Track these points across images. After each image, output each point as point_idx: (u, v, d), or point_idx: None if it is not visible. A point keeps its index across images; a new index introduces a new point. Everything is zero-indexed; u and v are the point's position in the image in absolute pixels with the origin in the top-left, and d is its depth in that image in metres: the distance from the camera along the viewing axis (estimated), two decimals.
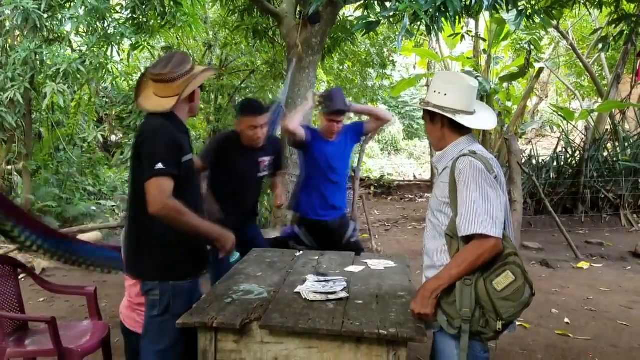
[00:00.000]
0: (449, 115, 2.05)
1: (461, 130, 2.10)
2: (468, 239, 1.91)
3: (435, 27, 4.86)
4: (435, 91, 2.10)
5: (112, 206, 9.48)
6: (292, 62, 6.01)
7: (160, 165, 2.19)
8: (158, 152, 2.23)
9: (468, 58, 10.90)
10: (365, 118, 4.55)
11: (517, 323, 2.07)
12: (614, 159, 8.75)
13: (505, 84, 10.31)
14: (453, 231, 1.97)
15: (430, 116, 2.13)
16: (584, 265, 6.29)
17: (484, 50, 11.07)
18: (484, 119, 2.12)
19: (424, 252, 2.19)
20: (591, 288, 5.45)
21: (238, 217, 3.41)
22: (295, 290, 2.29)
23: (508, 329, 2.00)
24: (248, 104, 3.57)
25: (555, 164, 9.07)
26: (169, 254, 2.31)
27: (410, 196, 12.58)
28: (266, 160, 3.57)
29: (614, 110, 9.53)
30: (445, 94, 2.06)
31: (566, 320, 4.50)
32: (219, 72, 9.28)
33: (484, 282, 1.90)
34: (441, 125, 2.11)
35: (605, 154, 8.89)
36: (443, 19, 4.85)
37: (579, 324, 4.44)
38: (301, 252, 3.09)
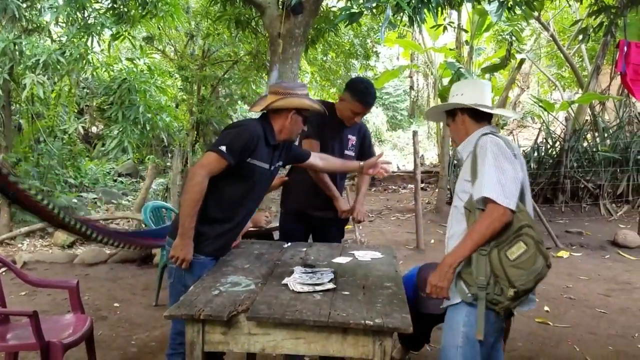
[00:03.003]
0: (470, 105, 2.23)
1: (482, 121, 2.26)
2: (483, 211, 2.01)
3: (418, 19, 4.87)
4: (454, 95, 2.33)
5: (94, 198, 9.40)
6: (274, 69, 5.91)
7: (222, 147, 2.44)
8: (229, 139, 2.49)
9: (450, 49, 10.95)
10: None
11: None
12: (594, 150, 8.89)
13: (487, 75, 10.40)
14: (471, 204, 2.07)
15: (453, 116, 2.32)
16: (563, 254, 6.40)
17: (466, 42, 11.13)
18: (501, 110, 2.32)
19: (447, 237, 2.30)
20: (570, 277, 5.56)
21: (321, 198, 3.31)
22: (283, 281, 2.29)
23: (527, 305, 2.13)
24: (363, 91, 3.21)
25: (535, 154, 9.18)
26: (199, 228, 2.50)
27: (393, 187, 12.65)
28: (353, 139, 3.40)
29: (593, 101, 9.67)
30: (462, 94, 2.29)
31: (546, 308, 4.59)
32: (203, 63, 9.19)
33: (497, 252, 1.99)
34: (462, 121, 2.29)
35: (585, 144, 9.02)
36: (425, 11, 4.86)
37: (558, 312, 4.53)
38: (289, 243, 3.09)
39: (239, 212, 2.65)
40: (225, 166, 2.46)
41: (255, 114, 2.76)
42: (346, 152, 3.38)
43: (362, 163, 3.15)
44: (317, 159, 3.03)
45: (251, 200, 2.69)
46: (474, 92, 2.28)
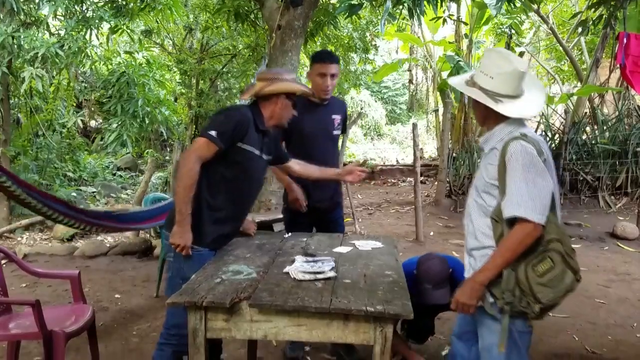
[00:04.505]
0: (490, 105, 2.06)
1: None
2: (511, 223, 1.95)
3: (418, 11, 4.88)
4: (482, 72, 2.10)
5: (93, 192, 9.40)
6: (264, 60, 5.95)
7: (212, 132, 2.45)
8: (218, 124, 2.51)
9: (450, 42, 10.96)
10: None
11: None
12: (593, 142, 8.88)
13: None
14: (498, 215, 2.01)
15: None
16: None
17: (466, 35, 11.14)
18: (528, 103, 2.10)
19: (467, 233, 2.23)
20: None
21: (319, 188, 3.28)
22: (284, 270, 2.30)
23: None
24: (319, 52, 3.43)
25: None
26: (198, 217, 2.52)
27: (392, 180, 12.66)
28: (337, 118, 3.40)
29: (592, 94, 9.67)
30: (492, 77, 2.06)
31: None
32: (201, 57, 9.19)
33: (524, 266, 1.96)
34: (485, 107, 2.11)
35: (584, 137, 9.02)
36: (425, 3, 4.87)
37: None
38: (290, 233, 3.10)
39: (235, 199, 2.64)
40: (215, 151, 2.46)
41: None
42: (334, 132, 3.40)
43: (338, 171, 3.12)
44: (296, 164, 3.03)
45: (246, 189, 2.68)
46: (505, 81, 2.06)
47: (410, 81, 21.44)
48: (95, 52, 6.80)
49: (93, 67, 7.00)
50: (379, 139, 19.69)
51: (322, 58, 3.25)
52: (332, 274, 2.27)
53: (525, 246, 1.93)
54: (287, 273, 2.27)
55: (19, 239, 6.56)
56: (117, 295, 4.61)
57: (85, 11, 6.28)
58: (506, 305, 1.98)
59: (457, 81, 2.26)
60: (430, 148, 16.97)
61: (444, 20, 7.19)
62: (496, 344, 2.08)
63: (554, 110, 10.81)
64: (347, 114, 3.60)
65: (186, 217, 2.45)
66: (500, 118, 2.11)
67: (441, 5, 5.44)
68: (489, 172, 2.08)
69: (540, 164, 1.97)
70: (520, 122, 2.12)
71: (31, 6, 6.57)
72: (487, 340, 2.17)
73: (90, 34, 6.29)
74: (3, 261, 3.31)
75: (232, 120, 2.52)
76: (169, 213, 2.74)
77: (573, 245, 6.10)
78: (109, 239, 6.51)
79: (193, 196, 2.47)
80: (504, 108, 2.06)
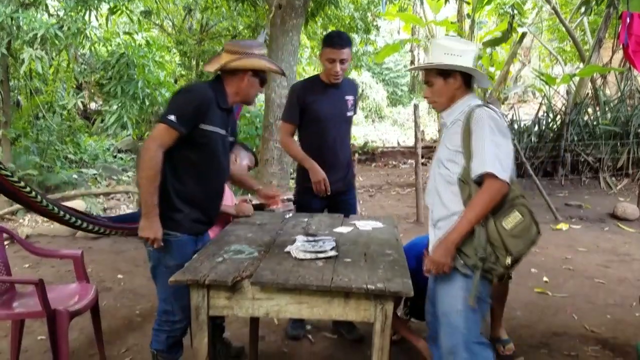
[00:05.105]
0: (474, 69, 2.20)
1: (468, 88, 2.26)
2: (479, 184, 2.07)
3: None
4: (447, 53, 2.20)
5: (94, 174, 9.41)
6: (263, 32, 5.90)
7: (171, 117, 2.30)
8: (177, 107, 2.36)
9: (452, 23, 10.85)
10: None
11: None
12: (594, 123, 8.86)
13: (488, 49, 10.32)
14: (466, 177, 2.11)
15: (444, 76, 2.22)
16: (563, 226, 6.44)
17: (468, 15, 11.04)
18: (484, 78, 2.32)
19: (432, 205, 2.31)
20: (570, 248, 5.59)
21: (333, 170, 3.19)
22: (285, 249, 2.32)
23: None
24: (330, 35, 3.23)
25: (536, 128, 9.16)
26: (168, 203, 2.40)
27: (394, 162, 12.67)
28: (351, 98, 3.34)
29: (595, 74, 9.61)
30: (461, 56, 2.19)
31: (545, 278, 4.63)
32: (201, 38, 9.12)
33: (494, 222, 2.06)
34: (457, 85, 2.23)
35: (586, 118, 8.99)
36: None
37: (557, 282, 4.57)
38: (290, 214, 3.11)
39: (205, 183, 2.50)
40: (176, 136, 2.33)
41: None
42: (348, 114, 3.36)
43: (258, 188, 3.01)
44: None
45: (215, 170, 2.54)
46: (472, 58, 2.22)
47: (412, 62, 21.28)
48: (95, 33, 6.77)
49: (92, 48, 6.97)
50: (380, 121, 19.61)
51: (331, 43, 3.14)
52: (333, 253, 2.28)
53: (495, 202, 2.04)
54: (289, 252, 2.29)
55: (21, 220, 6.58)
56: (119, 276, 4.65)
57: None
58: (480, 261, 2.07)
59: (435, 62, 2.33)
60: (431, 130, 16.91)
61: (446, 0, 7.13)
62: (455, 310, 2.17)
63: (556, 91, 10.76)
64: (357, 95, 3.53)
65: (152, 209, 2.32)
66: (463, 94, 2.25)
67: None
68: (453, 141, 2.18)
69: (504, 127, 2.13)
70: (475, 97, 2.28)
71: None
72: (446, 305, 2.24)
73: (90, 15, 6.26)
74: (6, 242, 3.32)
75: (191, 102, 2.37)
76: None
77: (574, 226, 6.13)
78: None
79: (160, 184, 2.33)
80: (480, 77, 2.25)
